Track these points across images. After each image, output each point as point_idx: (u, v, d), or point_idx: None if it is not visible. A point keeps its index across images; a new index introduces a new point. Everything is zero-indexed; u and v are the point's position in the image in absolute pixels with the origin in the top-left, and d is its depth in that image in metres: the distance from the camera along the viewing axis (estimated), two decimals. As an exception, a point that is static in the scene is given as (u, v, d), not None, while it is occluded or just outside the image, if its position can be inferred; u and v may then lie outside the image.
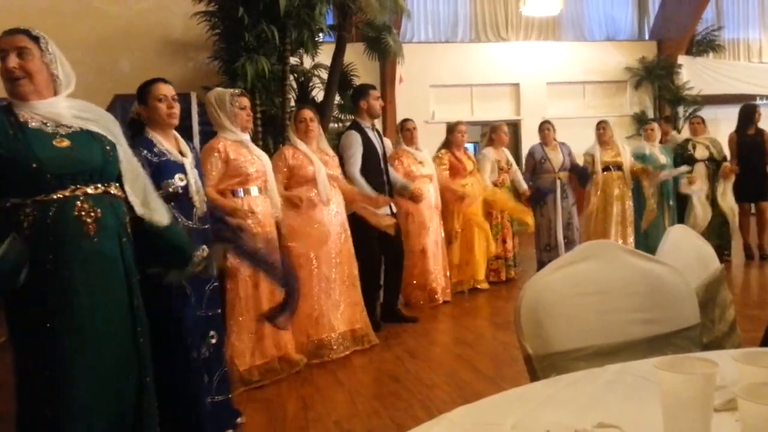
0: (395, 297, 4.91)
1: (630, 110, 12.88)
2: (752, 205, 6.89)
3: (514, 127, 12.25)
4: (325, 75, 7.95)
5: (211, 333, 2.78)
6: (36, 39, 2.00)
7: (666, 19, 12.77)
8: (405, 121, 5.56)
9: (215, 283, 2.83)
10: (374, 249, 4.62)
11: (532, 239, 6.61)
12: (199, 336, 2.71)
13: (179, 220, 2.56)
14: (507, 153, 6.42)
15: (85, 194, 1.94)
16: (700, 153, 6.80)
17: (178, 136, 2.83)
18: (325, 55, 7.87)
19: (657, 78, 12.61)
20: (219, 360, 2.85)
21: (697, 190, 6.43)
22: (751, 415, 0.76)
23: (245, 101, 3.55)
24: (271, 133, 6.83)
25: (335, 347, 3.98)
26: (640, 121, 11.76)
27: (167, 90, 2.75)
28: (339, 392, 3.43)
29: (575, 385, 1.17)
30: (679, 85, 12.49)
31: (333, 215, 4.10)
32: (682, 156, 6.85)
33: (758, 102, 12.14)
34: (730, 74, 12.76)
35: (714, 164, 6.75)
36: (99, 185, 1.98)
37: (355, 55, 9.08)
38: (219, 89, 3.61)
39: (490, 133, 6.37)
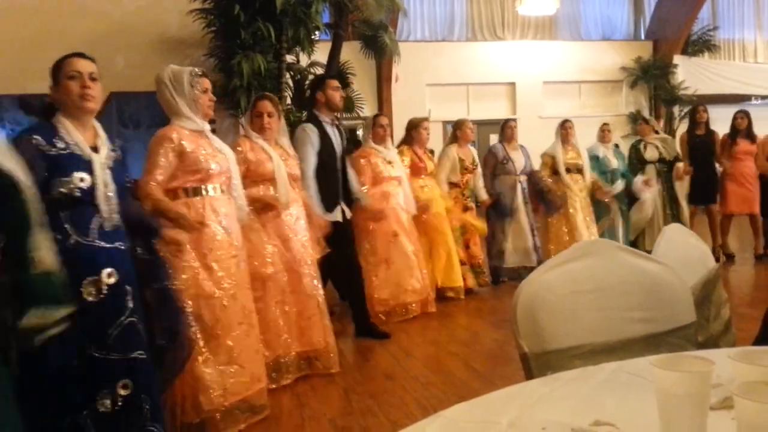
0: (364, 311, 4.42)
1: (626, 110, 12.92)
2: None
3: (510, 126, 12.27)
4: (321, 73, 7.95)
5: (123, 382, 2.12)
6: None
7: (662, 19, 12.80)
8: (377, 116, 5.00)
9: (130, 319, 2.16)
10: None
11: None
12: (99, 385, 2.08)
13: (68, 236, 2.02)
14: (473, 151, 5.80)
15: None
16: (650, 154, 6.51)
17: (99, 127, 2.24)
18: (321, 53, 7.87)
19: (653, 78, 12.65)
20: (136, 413, 2.17)
21: (650, 196, 6.32)
22: (747, 413, 0.77)
23: (207, 83, 3.00)
24: (267, 132, 6.82)
25: (291, 369, 3.46)
26: (636, 120, 11.80)
27: (83, 66, 2.16)
28: (334, 390, 3.42)
29: (571, 384, 1.17)
30: (675, 85, 12.53)
31: (294, 221, 3.54)
32: (636, 157, 6.56)
33: (753, 102, 12.20)
34: (726, 74, 12.81)
35: (665, 165, 6.47)
36: None
37: (352, 53, 9.08)
38: (174, 66, 2.97)
39: (454, 128, 5.76)
